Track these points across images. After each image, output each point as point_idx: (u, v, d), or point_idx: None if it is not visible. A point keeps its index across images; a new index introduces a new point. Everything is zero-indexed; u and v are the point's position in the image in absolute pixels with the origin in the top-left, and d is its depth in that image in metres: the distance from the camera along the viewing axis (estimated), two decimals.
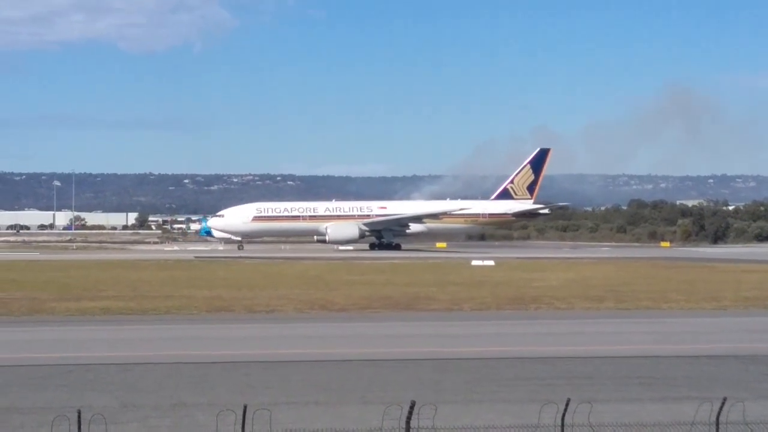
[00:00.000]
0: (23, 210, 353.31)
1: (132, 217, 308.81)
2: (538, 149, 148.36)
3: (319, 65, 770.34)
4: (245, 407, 16.59)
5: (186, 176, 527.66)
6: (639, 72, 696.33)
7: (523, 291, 58.75)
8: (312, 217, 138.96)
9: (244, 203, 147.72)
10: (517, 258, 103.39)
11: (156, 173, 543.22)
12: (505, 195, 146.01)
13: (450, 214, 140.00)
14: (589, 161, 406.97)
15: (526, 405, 22.88)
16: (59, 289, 59.75)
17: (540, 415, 19.26)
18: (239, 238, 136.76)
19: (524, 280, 69.21)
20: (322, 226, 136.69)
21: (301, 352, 32.93)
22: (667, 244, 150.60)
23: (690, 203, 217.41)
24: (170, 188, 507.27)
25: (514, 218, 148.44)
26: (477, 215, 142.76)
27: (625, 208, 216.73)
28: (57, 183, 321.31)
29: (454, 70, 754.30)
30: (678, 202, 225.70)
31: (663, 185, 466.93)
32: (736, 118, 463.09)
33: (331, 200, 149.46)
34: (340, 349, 33.98)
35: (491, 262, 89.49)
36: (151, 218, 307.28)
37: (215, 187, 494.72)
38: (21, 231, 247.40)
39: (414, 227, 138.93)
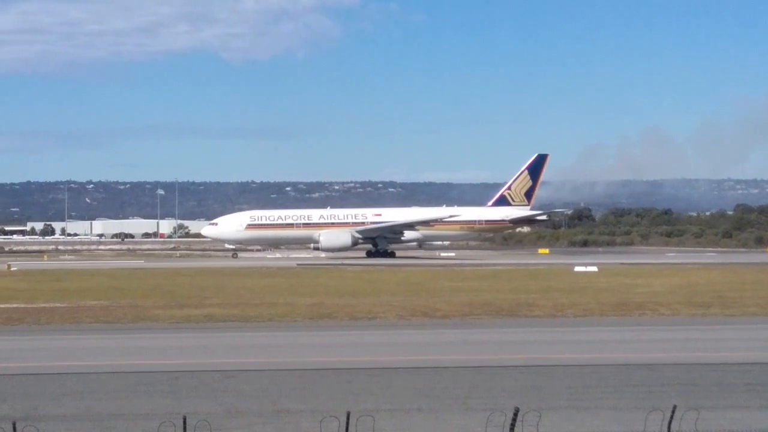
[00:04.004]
0: (128, 218, 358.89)
1: None
2: (536, 155, 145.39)
3: (421, 71, 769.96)
4: (348, 414, 16.58)
5: (288, 184, 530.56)
6: (754, 71, 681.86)
7: (627, 297, 58.08)
8: (306, 225, 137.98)
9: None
10: (621, 264, 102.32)
11: (258, 181, 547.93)
12: (503, 201, 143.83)
13: (445, 221, 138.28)
14: (697, 165, 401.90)
15: (632, 412, 22.59)
16: (163, 297, 60.49)
17: (646, 422, 19.01)
18: (233, 246, 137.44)
19: (628, 286, 68.44)
20: (315, 233, 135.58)
21: (403, 359, 32.91)
22: None
23: None
24: (272, 196, 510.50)
25: (511, 225, 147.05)
26: (473, 222, 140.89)
27: (731, 213, 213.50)
28: (161, 191, 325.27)
29: (557, 73, 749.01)
30: None
31: None
32: None
33: (326, 207, 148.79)
34: (442, 355, 33.93)
35: (594, 268, 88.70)
36: None
37: (317, 195, 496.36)
38: (126, 239, 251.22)
39: (408, 234, 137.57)
